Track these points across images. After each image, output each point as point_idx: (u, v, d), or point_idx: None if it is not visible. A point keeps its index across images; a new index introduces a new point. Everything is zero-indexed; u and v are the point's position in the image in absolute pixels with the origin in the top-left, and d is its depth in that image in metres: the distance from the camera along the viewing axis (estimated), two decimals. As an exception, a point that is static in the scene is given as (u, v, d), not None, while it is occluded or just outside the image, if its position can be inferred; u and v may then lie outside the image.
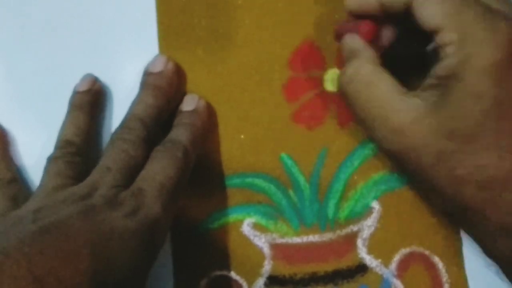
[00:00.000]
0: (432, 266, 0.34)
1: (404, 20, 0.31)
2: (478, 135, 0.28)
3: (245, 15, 0.37)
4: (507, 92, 0.28)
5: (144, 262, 0.30)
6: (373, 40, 0.32)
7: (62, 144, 0.35)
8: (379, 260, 0.34)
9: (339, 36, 0.34)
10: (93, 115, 0.37)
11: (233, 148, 0.36)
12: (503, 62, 0.28)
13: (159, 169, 0.32)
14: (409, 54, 0.33)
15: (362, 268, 0.34)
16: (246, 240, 0.35)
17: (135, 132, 0.34)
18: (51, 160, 0.34)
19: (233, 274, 0.35)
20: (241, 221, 0.35)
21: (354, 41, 0.33)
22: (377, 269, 0.34)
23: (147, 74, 0.36)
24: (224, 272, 0.35)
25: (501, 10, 0.30)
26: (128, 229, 0.29)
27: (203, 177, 0.36)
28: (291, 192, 0.36)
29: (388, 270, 0.34)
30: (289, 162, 0.36)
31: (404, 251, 0.34)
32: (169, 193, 0.31)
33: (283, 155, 0.36)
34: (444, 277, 0.34)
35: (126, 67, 0.37)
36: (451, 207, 0.31)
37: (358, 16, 0.33)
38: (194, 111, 0.36)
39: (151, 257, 0.31)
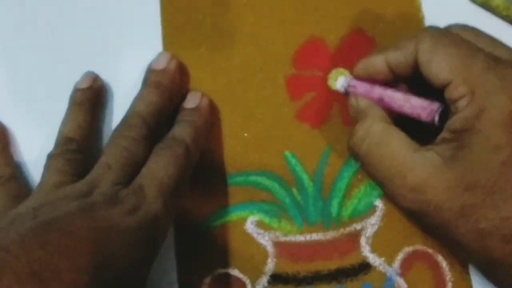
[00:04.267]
0: (435, 265, 0.34)
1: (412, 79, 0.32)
2: (499, 187, 0.28)
3: (249, 13, 0.37)
4: None
5: (144, 259, 0.30)
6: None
7: (62, 141, 0.35)
8: (383, 259, 0.34)
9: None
10: (93, 112, 0.37)
11: (236, 146, 0.36)
12: None
13: (160, 167, 0.32)
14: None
15: (365, 267, 0.34)
16: (249, 238, 0.35)
17: (136, 129, 0.34)
18: (51, 157, 0.34)
19: (236, 272, 0.35)
20: (244, 219, 0.35)
21: (360, 101, 0.33)
22: (381, 268, 0.34)
23: (150, 71, 0.36)
24: (228, 270, 0.35)
25: (508, 58, 0.30)
26: (129, 226, 0.29)
27: (207, 175, 0.36)
28: (294, 191, 0.35)
29: (392, 269, 0.34)
30: (292, 160, 0.36)
31: (407, 249, 0.34)
32: (170, 190, 0.31)
33: (287, 153, 0.36)
34: (448, 275, 0.34)
35: (130, 64, 0.37)
36: (477, 261, 0.30)
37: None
38: (196, 109, 0.36)
39: (152, 254, 0.31)
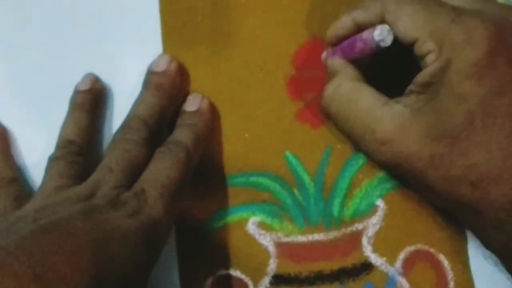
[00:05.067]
0: (437, 264, 0.34)
1: None
2: (466, 135, 0.29)
3: (249, 14, 0.37)
4: (490, 89, 0.29)
5: (145, 261, 0.30)
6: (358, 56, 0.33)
7: (64, 144, 0.35)
8: (385, 258, 0.34)
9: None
10: (94, 114, 0.37)
11: (237, 147, 0.36)
12: (482, 61, 0.29)
13: (162, 171, 0.32)
14: (393, 66, 0.33)
15: (367, 267, 0.34)
16: (251, 239, 0.35)
17: (137, 133, 0.34)
18: (52, 159, 0.34)
19: (238, 273, 0.35)
20: (246, 220, 0.35)
21: (334, 62, 0.34)
22: (383, 267, 0.34)
23: (150, 73, 0.36)
24: (230, 271, 0.35)
25: (475, 8, 0.31)
26: (130, 229, 0.29)
27: (208, 176, 0.36)
28: (296, 191, 0.35)
29: (394, 268, 0.34)
30: (293, 160, 0.36)
31: (409, 249, 0.34)
32: (171, 194, 0.32)
33: (288, 153, 0.36)
34: (450, 275, 0.34)
35: (130, 66, 0.37)
36: (448, 205, 0.32)
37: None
38: (197, 112, 0.36)
39: (153, 256, 0.31)
